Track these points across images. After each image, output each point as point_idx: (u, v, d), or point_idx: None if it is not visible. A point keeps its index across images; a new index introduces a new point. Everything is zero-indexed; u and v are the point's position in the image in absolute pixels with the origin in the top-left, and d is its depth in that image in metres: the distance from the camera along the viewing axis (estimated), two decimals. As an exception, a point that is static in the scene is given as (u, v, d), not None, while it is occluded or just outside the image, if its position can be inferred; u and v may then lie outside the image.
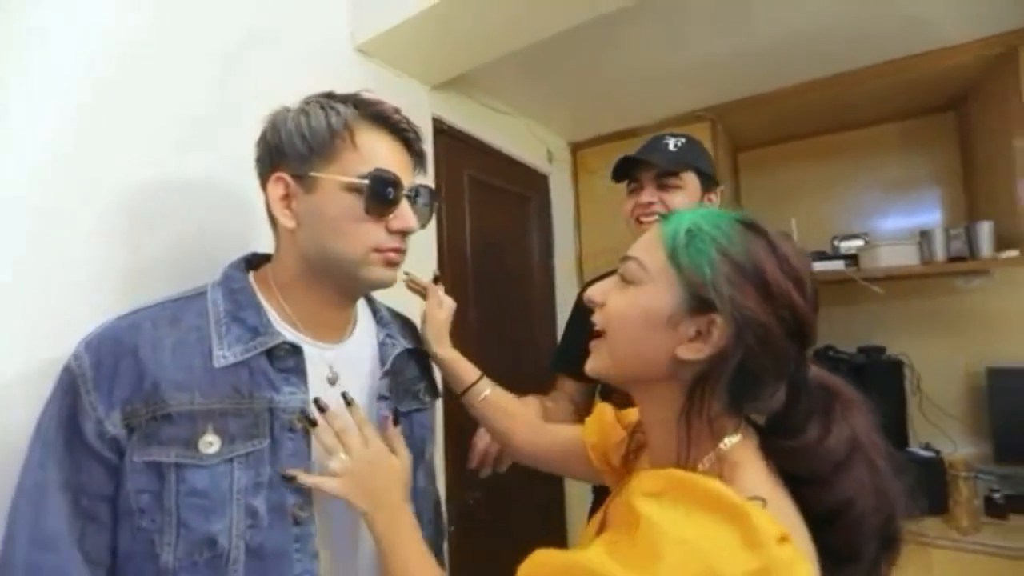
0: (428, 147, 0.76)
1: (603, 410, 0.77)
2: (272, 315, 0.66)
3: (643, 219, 1.10)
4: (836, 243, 2.10)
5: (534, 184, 2.14)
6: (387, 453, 0.66)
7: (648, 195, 1.10)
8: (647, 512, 0.43)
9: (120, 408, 0.55)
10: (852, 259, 1.91)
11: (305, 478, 0.61)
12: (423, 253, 1.48)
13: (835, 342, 1.95)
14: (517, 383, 1.14)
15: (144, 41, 0.84)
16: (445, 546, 0.92)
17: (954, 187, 2.05)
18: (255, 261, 0.72)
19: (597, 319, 0.58)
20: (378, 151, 0.65)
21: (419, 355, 0.86)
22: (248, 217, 0.89)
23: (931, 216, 2.07)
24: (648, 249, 0.55)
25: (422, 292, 0.91)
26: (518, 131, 2.01)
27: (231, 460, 0.57)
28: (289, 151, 0.63)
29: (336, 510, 0.64)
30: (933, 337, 1.97)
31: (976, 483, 1.57)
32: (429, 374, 0.88)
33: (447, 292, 0.91)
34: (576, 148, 2.36)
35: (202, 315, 0.62)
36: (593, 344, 0.59)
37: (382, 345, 0.77)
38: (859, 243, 1.99)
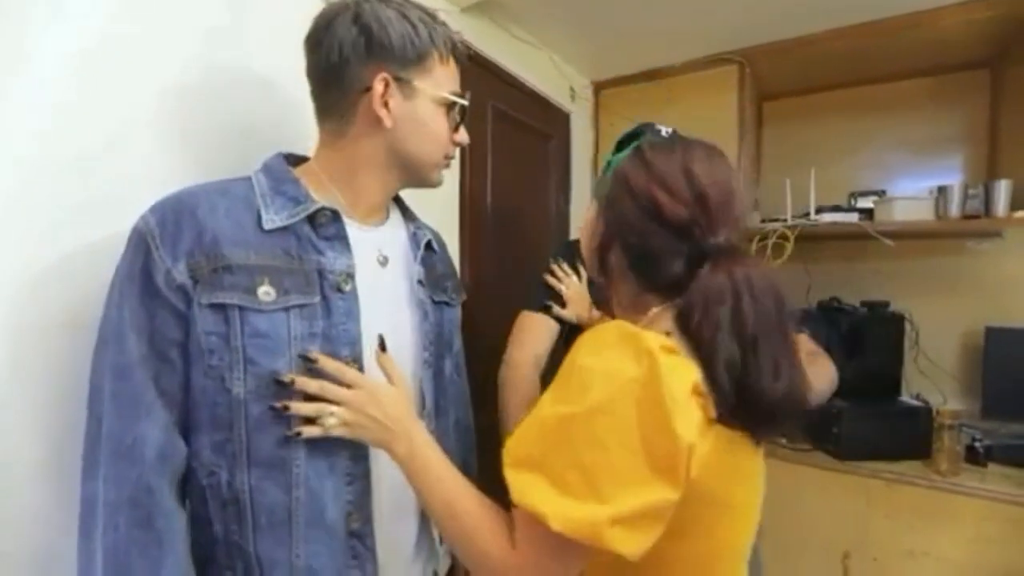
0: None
1: None
2: (311, 191, 0.70)
3: None
4: (853, 200, 2.11)
5: (556, 121, 2.13)
6: (378, 386, 0.65)
7: None
8: (576, 360, 0.56)
9: (185, 260, 0.60)
10: (867, 213, 1.93)
11: (310, 432, 0.62)
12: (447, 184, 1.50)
13: (842, 295, 1.99)
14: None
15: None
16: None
17: (979, 148, 2.02)
18: (292, 159, 0.75)
19: None
20: (454, 74, 0.75)
21: (443, 255, 0.92)
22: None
23: (952, 178, 2.04)
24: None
25: None
26: (542, 65, 1.98)
27: (287, 310, 0.63)
28: (398, 52, 0.68)
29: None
30: (938, 296, 2.01)
31: (960, 433, 1.64)
32: (455, 275, 0.94)
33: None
34: (599, 87, 2.32)
35: (249, 189, 0.67)
36: None
37: (413, 235, 0.83)
38: (875, 199, 2.00)
